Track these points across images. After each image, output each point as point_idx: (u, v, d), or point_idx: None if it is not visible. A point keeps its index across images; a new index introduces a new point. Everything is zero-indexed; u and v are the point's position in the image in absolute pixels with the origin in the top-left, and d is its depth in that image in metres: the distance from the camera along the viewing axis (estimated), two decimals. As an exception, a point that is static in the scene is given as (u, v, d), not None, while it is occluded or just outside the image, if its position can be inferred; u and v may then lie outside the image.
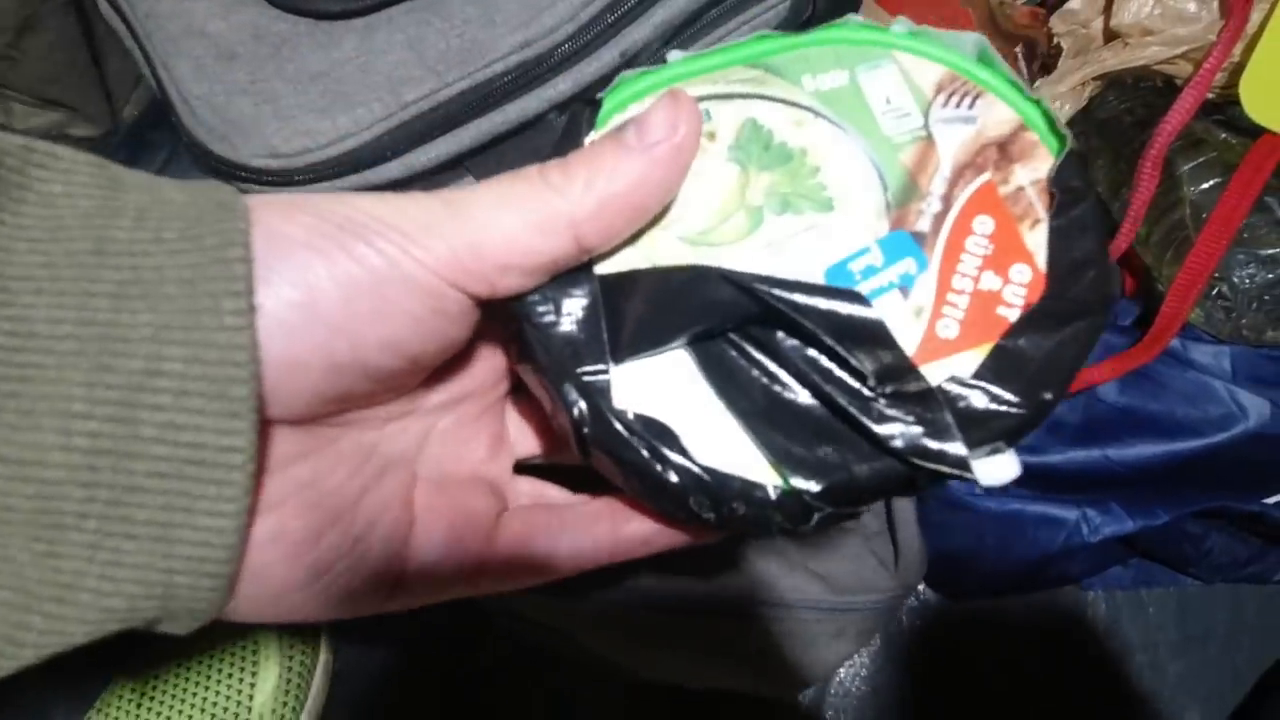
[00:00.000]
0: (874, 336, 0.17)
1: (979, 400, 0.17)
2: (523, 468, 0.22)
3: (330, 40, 0.28)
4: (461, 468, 0.20)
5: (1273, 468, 0.36)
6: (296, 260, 0.14)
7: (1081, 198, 0.19)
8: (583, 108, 0.20)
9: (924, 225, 0.19)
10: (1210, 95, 0.40)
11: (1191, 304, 0.35)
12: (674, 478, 0.17)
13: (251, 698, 0.37)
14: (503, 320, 0.18)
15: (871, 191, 0.19)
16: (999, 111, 0.20)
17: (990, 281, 0.18)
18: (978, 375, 0.17)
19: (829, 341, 0.17)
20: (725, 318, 0.17)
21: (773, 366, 0.18)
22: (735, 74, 0.20)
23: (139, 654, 0.38)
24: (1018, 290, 0.18)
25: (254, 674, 0.38)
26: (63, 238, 0.13)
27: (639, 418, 0.17)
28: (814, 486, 0.17)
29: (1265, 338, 0.39)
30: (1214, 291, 0.39)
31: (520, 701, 0.41)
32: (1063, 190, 0.19)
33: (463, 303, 0.16)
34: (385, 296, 0.15)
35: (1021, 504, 0.37)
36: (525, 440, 0.22)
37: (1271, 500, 0.39)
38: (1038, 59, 0.41)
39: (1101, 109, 0.44)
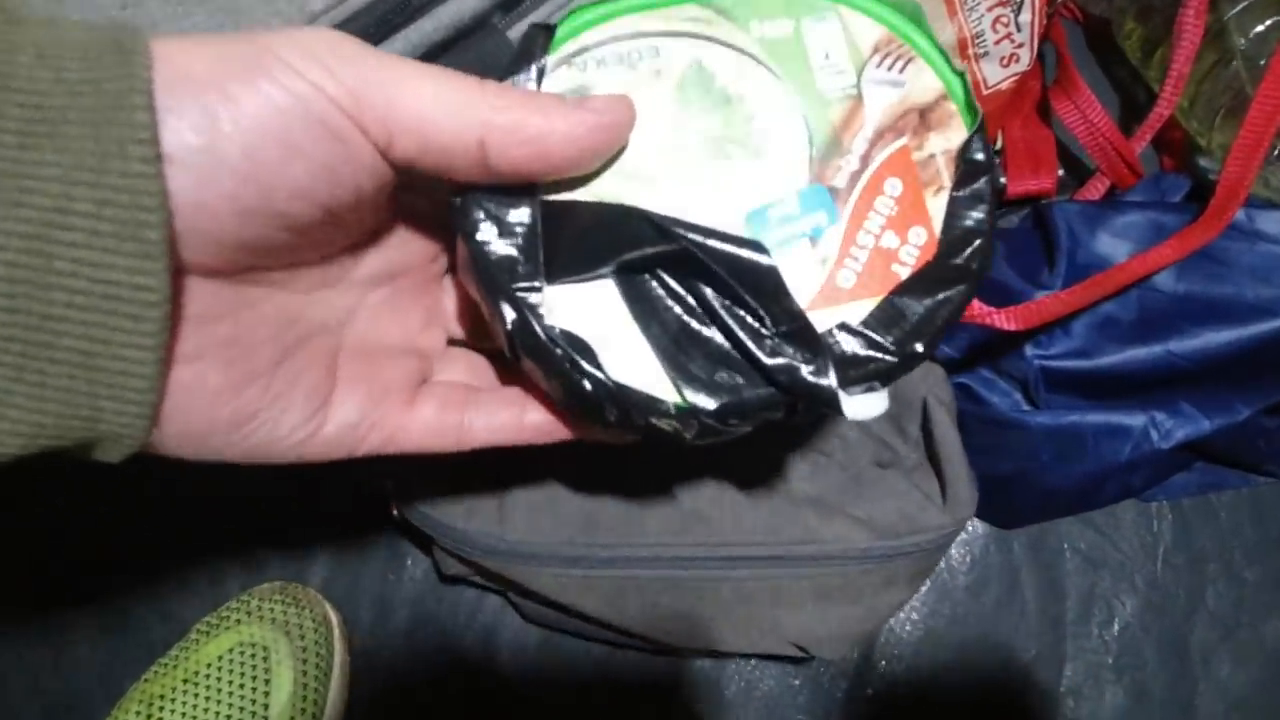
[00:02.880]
0: (772, 283, 0.19)
1: (860, 346, 0.20)
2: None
3: (215, -50, 0.23)
4: (390, 338, 0.22)
5: (1360, 343, 0.32)
6: (199, 104, 0.14)
7: (983, 172, 0.20)
8: (537, 31, 0.20)
9: (840, 181, 0.21)
10: (1258, -78, 0.35)
11: (1258, 164, 0.31)
12: (589, 387, 0.19)
13: (267, 706, 0.35)
14: (448, 221, 0.19)
15: (798, 144, 0.21)
16: (926, 79, 0.21)
17: (890, 240, 0.20)
18: (864, 323, 0.20)
19: (732, 284, 0.19)
20: (647, 254, 0.19)
21: (687, 300, 0.20)
22: (687, 11, 0.21)
23: (146, 667, 0.36)
24: (912, 250, 0.20)
25: (267, 680, 0.36)
26: None
27: (564, 334, 0.19)
28: (708, 405, 0.19)
29: (1335, 199, 0.34)
30: (1275, 152, 0.34)
31: (545, 686, 0.38)
32: (968, 163, 0.20)
33: (370, 152, 0.16)
34: (293, 143, 0.15)
35: (1079, 415, 0.33)
36: (462, 323, 0.23)
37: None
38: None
39: (1128, -41, 0.39)
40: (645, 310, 0.19)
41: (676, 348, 0.19)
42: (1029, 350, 0.34)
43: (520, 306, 0.19)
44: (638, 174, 0.20)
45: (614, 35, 0.20)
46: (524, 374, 0.21)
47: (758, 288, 0.19)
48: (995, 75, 0.37)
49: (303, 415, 0.19)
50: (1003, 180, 0.41)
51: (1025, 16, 0.35)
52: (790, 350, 0.19)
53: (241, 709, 0.35)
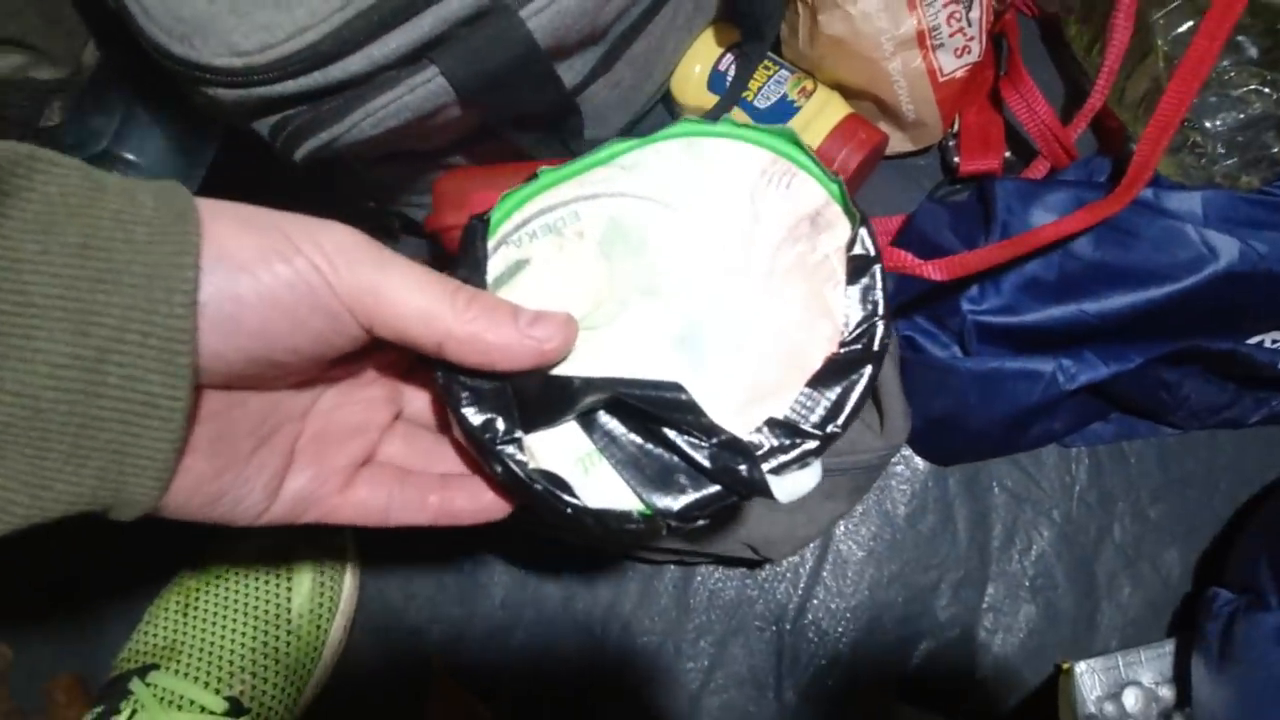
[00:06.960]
0: (692, 411, 0.23)
1: (786, 435, 0.23)
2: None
3: (280, -68, 0.28)
4: (340, 424, 0.26)
5: (1245, 308, 0.37)
6: (237, 281, 0.19)
7: (871, 264, 0.24)
8: (476, 224, 0.24)
9: (752, 293, 0.24)
10: (1181, -63, 0.39)
11: (1163, 149, 0.36)
12: (570, 511, 0.23)
13: (290, 599, 0.40)
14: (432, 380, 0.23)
15: (712, 270, 0.24)
16: (810, 189, 0.25)
17: (799, 337, 0.24)
18: (788, 415, 0.23)
19: (662, 417, 0.23)
20: (597, 403, 0.23)
21: (637, 429, 0.23)
22: (597, 174, 0.25)
23: (182, 569, 0.41)
24: (820, 343, 0.23)
25: (289, 580, 0.41)
26: (56, 231, 0.17)
27: (544, 473, 0.23)
28: (671, 508, 0.23)
29: (1240, 184, 0.39)
30: (1188, 141, 0.39)
31: (534, 599, 0.43)
32: (855, 258, 0.24)
33: (354, 327, 0.21)
34: (298, 316, 0.20)
35: (1000, 361, 0.38)
36: (423, 411, 0.28)
37: (1251, 341, 0.40)
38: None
39: (1074, -34, 0.44)
40: (606, 442, 0.23)
41: (636, 468, 0.23)
42: (964, 305, 0.39)
43: (505, 460, 0.22)
44: (583, 325, 0.24)
45: (540, 208, 0.25)
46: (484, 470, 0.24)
47: (685, 415, 0.22)
48: (950, 64, 0.42)
49: (260, 497, 0.23)
50: (956, 160, 0.45)
51: (975, 13, 0.40)
52: (725, 455, 0.22)
53: (268, 600, 0.40)
